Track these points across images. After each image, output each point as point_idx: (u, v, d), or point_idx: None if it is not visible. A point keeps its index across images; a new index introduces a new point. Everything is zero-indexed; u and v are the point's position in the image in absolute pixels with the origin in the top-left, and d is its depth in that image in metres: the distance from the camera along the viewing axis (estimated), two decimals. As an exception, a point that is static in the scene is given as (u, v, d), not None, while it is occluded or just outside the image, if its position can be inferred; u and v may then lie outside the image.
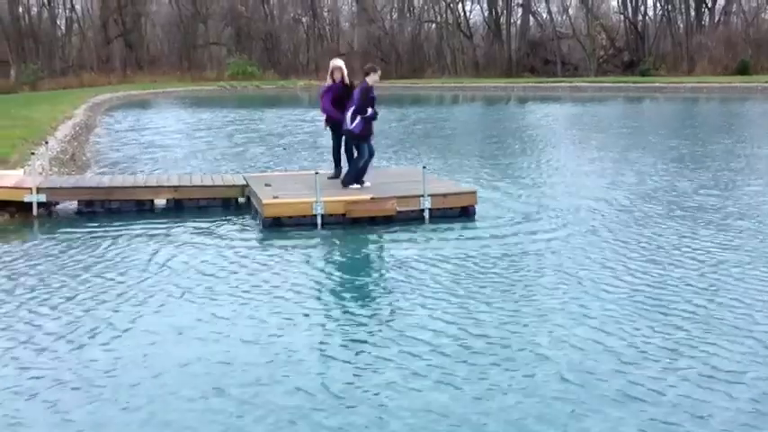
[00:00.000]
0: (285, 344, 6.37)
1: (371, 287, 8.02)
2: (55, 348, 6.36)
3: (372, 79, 11.61)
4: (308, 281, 8.22)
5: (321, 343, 6.43)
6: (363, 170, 11.82)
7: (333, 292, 7.95)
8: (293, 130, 27.96)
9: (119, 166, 17.83)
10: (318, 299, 7.67)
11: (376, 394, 5.43)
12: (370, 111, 11.51)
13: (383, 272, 8.60)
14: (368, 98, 11.49)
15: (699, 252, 9.13)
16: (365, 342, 6.42)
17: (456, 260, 8.90)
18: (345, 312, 7.22)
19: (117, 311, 7.25)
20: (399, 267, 8.70)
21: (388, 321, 6.88)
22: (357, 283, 8.22)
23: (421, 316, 7.01)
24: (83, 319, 7.04)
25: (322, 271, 8.64)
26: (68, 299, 7.66)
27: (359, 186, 11.63)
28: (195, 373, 5.82)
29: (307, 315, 7.09)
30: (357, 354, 6.17)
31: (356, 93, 11.57)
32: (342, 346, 6.36)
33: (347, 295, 7.79)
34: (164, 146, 22.93)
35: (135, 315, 7.14)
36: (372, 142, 11.88)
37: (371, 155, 11.85)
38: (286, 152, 20.65)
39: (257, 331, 6.68)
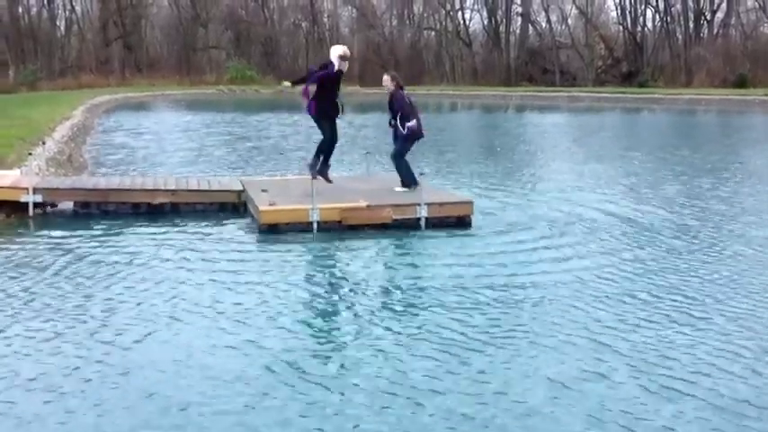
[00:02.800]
0: (263, 353, 6.33)
1: (358, 298, 7.94)
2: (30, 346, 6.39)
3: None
4: (298, 290, 8.16)
5: (293, 353, 6.37)
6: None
7: (319, 300, 7.89)
8: (266, 134, 28.38)
9: (74, 166, 17.80)
10: (303, 307, 7.59)
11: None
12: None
13: (374, 282, 8.55)
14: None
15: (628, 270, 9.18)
16: (343, 355, 6.40)
17: (447, 272, 8.84)
18: (327, 321, 7.24)
19: (100, 315, 7.23)
20: (391, 277, 8.72)
21: (372, 334, 6.86)
22: (345, 293, 8.16)
23: (405, 329, 7.00)
24: (61, 322, 7.03)
25: (313, 279, 8.60)
26: (53, 300, 7.65)
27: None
28: (149, 382, 5.79)
29: (285, 324, 7.07)
30: (330, 365, 6.15)
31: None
32: (315, 357, 6.33)
33: (332, 304, 7.78)
34: (130, 147, 23.24)
35: (119, 321, 7.09)
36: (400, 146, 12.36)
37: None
38: (282, 156, 20.78)
39: (236, 339, 6.63)
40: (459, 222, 11.23)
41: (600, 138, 28.41)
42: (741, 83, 61.03)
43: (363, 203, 11.08)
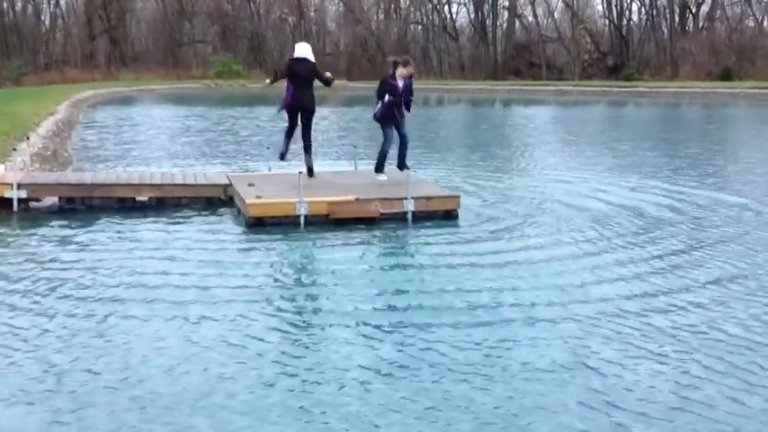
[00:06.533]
0: (240, 348, 6.31)
1: (345, 291, 7.88)
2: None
3: (401, 72, 12.57)
4: (282, 284, 8.13)
5: (268, 347, 6.34)
6: (381, 158, 12.79)
7: (302, 295, 7.84)
8: (221, 127, 28.67)
9: (59, 161, 17.67)
10: (286, 302, 7.53)
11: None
12: (387, 97, 12.41)
13: (359, 276, 8.51)
14: (384, 86, 12.51)
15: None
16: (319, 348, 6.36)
17: (430, 266, 8.83)
18: (308, 316, 7.19)
19: (85, 310, 7.16)
20: (377, 272, 8.70)
21: (353, 326, 6.83)
22: (331, 287, 8.09)
23: (389, 324, 6.96)
24: (41, 318, 6.97)
25: (297, 275, 8.55)
26: (34, 297, 7.57)
27: (383, 177, 12.52)
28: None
29: (267, 318, 7.03)
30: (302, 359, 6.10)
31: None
32: (292, 351, 6.30)
33: (315, 298, 7.71)
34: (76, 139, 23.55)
35: (101, 317, 7.02)
36: (405, 130, 12.74)
37: (403, 142, 12.72)
38: (270, 151, 20.69)
39: (219, 334, 6.60)
40: (446, 216, 11.22)
41: (588, 131, 28.46)
42: (726, 76, 61.23)
43: (351, 197, 11.05)
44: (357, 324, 6.87)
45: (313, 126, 12.82)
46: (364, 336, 6.58)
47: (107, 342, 6.40)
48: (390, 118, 12.58)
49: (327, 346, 6.35)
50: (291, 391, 5.50)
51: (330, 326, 6.84)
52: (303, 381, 5.67)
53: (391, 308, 7.34)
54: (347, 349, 6.27)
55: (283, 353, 6.19)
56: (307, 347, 6.34)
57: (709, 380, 5.66)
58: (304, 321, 6.98)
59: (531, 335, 6.57)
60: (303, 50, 12.69)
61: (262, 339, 6.49)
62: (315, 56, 12.93)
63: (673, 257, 9.20)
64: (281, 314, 7.13)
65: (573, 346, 6.30)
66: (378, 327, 6.78)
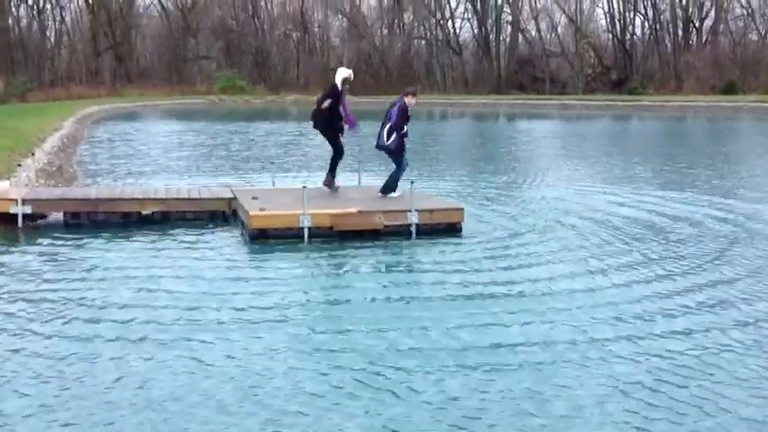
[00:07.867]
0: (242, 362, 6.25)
1: (348, 306, 7.83)
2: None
3: (410, 101, 12.27)
4: (286, 297, 8.05)
5: (269, 365, 6.24)
6: (396, 180, 12.58)
7: (305, 308, 7.75)
8: (211, 142, 28.96)
9: (64, 177, 17.69)
10: (288, 316, 7.43)
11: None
12: (405, 128, 12.23)
13: (363, 290, 8.44)
14: (405, 115, 12.21)
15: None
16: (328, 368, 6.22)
17: (434, 279, 8.79)
18: (311, 332, 7.09)
19: (86, 331, 7.05)
20: (380, 285, 8.64)
21: (359, 345, 6.70)
22: (334, 301, 8.04)
23: (390, 340, 6.86)
24: (47, 337, 6.88)
25: (301, 288, 8.47)
26: (38, 314, 7.48)
27: (395, 195, 12.37)
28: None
29: (270, 333, 6.94)
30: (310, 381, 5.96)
31: (394, 111, 12.30)
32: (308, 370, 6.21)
33: (317, 314, 7.61)
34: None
35: (106, 334, 6.94)
36: (406, 157, 12.60)
37: (404, 167, 12.59)
38: (273, 165, 20.72)
39: (222, 350, 6.52)
40: (450, 229, 11.20)
41: (593, 145, 28.48)
42: (730, 89, 61.33)
43: (354, 209, 11.05)
44: (330, 347, 6.64)
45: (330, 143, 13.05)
46: (340, 364, 6.29)
47: (93, 355, 6.39)
48: (404, 149, 12.43)
49: (300, 371, 6.10)
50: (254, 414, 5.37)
51: (312, 345, 6.69)
52: (271, 403, 5.54)
53: (377, 336, 7.02)
54: (321, 371, 6.10)
55: (258, 374, 6.02)
56: (289, 368, 6.17)
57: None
58: (289, 340, 6.81)
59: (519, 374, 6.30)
60: (335, 76, 12.78)
61: (241, 358, 6.36)
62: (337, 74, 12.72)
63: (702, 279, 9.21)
64: (267, 333, 6.98)
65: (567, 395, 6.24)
66: (358, 350, 6.55)
